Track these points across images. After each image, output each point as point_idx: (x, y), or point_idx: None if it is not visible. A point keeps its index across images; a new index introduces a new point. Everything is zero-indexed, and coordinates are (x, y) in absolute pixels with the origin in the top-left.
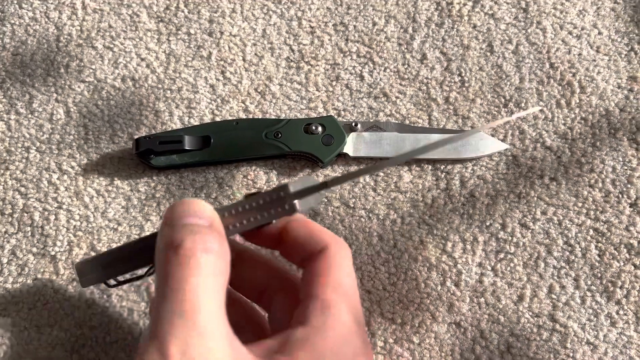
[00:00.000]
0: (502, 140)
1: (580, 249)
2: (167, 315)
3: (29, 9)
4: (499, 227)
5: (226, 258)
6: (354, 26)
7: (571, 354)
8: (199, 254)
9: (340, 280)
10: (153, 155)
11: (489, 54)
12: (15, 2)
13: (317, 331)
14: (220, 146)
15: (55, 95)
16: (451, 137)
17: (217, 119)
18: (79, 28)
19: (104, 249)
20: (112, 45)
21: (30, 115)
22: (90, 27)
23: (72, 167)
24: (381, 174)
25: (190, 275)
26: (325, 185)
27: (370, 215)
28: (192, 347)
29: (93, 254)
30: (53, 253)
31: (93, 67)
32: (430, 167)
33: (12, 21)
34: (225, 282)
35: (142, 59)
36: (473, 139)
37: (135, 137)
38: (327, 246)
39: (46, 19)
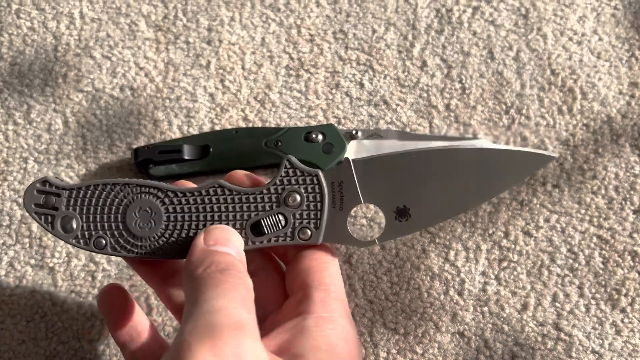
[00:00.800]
0: None
1: (584, 257)
2: (195, 337)
3: (27, 18)
4: (502, 235)
5: (249, 281)
6: (354, 34)
7: None
8: (228, 280)
9: (335, 277)
10: (152, 165)
11: (489, 60)
12: (13, 12)
13: (327, 320)
14: (220, 155)
15: (53, 105)
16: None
17: (217, 128)
18: (77, 37)
19: (103, 260)
20: (110, 55)
21: (28, 126)
22: (88, 37)
23: (71, 178)
24: None
25: (221, 302)
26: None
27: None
28: (242, 350)
29: (92, 265)
30: (51, 265)
31: (91, 76)
32: None
33: (10, 31)
34: (251, 299)
35: (141, 68)
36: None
37: (134, 147)
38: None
39: (44, 29)
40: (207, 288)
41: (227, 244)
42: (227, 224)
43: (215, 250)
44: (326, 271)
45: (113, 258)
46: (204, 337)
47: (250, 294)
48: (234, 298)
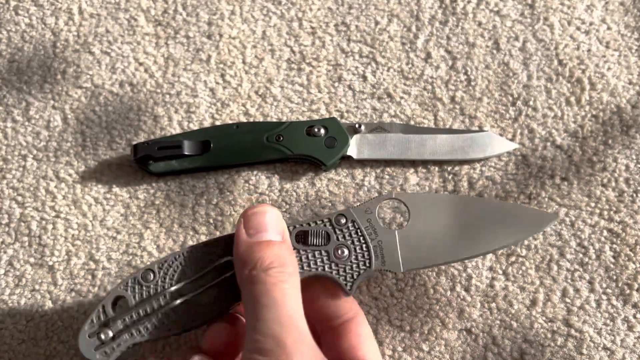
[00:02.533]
0: (511, 140)
1: (594, 251)
2: (262, 348)
3: (25, 15)
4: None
5: (297, 269)
6: (356, 26)
7: None
8: (282, 277)
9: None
10: (152, 161)
11: (495, 51)
12: (11, 8)
13: None
14: (221, 151)
15: (52, 102)
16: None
17: (217, 123)
18: (75, 33)
19: (103, 258)
20: (109, 50)
21: (27, 123)
22: (87, 32)
23: (70, 175)
24: (387, 176)
25: (276, 303)
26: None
27: None
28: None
29: (92, 263)
30: (51, 263)
31: (90, 72)
32: (437, 168)
33: (8, 28)
34: (298, 294)
35: (140, 64)
36: (481, 139)
37: (134, 143)
38: (356, 315)
39: (42, 25)
40: (257, 296)
41: (266, 228)
42: None
43: (256, 241)
44: (367, 342)
45: (113, 256)
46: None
47: (296, 288)
48: (282, 305)
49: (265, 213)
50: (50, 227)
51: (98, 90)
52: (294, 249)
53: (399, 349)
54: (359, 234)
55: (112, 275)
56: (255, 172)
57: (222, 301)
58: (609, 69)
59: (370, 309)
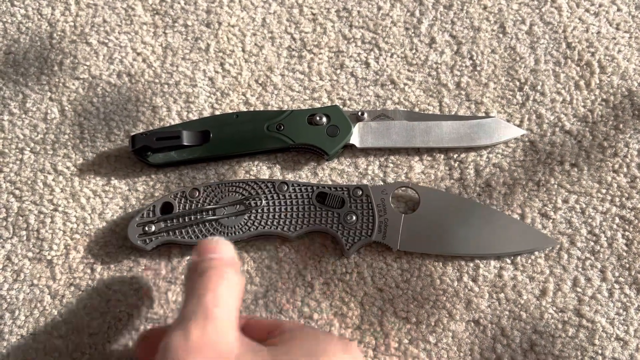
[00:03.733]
0: (519, 126)
1: (605, 239)
2: (190, 311)
3: (21, 6)
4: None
5: (238, 282)
6: (358, 11)
7: (600, 351)
8: (217, 278)
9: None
10: (150, 152)
11: (501, 35)
12: (7, 0)
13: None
14: (221, 141)
15: (49, 93)
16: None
17: (217, 112)
18: (72, 24)
19: (102, 252)
20: (106, 41)
21: (24, 115)
22: (84, 23)
23: (68, 168)
24: (390, 164)
25: (209, 289)
26: None
27: None
28: (209, 331)
29: (91, 257)
30: (49, 257)
31: (87, 63)
32: (442, 156)
33: (4, 19)
34: (237, 297)
35: (138, 54)
36: (487, 125)
37: (132, 134)
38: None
39: (39, 16)
40: (202, 281)
41: (215, 251)
42: None
43: (208, 257)
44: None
45: (113, 251)
46: (197, 316)
47: (235, 284)
48: (221, 286)
49: (218, 242)
50: (48, 220)
51: (95, 81)
52: (313, 206)
53: (405, 341)
54: (370, 207)
55: (111, 269)
56: (256, 163)
57: (244, 228)
58: (619, 51)
59: (375, 301)
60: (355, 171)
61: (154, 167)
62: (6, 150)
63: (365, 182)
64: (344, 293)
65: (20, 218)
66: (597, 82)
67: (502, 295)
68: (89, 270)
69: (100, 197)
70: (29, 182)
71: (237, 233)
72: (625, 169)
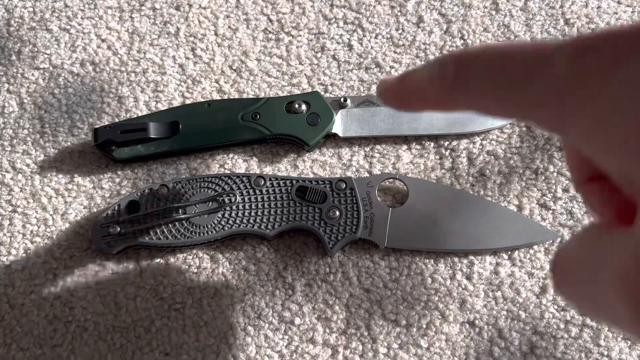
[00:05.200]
0: None
1: None
2: None
3: None
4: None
5: None
6: None
7: (606, 352)
8: None
9: None
10: (115, 146)
11: (494, 12)
12: None
13: None
14: (191, 132)
15: (6, 85)
16: None
17: (188, 101)
18: (31, 10)
19: (65, 256)
20: (68, 27)
21: None
22: (44, 8)
23: (27, 165)
24: (377, 154)
25: None
26: None
27: None
28: None
29: (53, 262)
30: (7, 263)
31: (48, 52)
32: (432, 144)
33: None
34: None
35: (103, 40)
36: None
37: (95, 127)
38: None
39: None
40: None
41: None
42: None
43: None
44: None
45: (77, 254)
46: None
47: None
48: None
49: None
50: (6, 223)
51: (57, 71)
52: (292, 201)
53: (395, 345)
54: (354, 201)
55: (75, 274)
56: (231, 155)
57: (218, 227)
58: None
59: (362, 302)
60: (338, 162)
61: (121, 163)
62: None
63: (349, 174)
64: (327, 295)
65: None
66: None
67: (499, 293)
68: (50, 276)
69: (63, 196)
70: None
71: (210, 233)
72: None
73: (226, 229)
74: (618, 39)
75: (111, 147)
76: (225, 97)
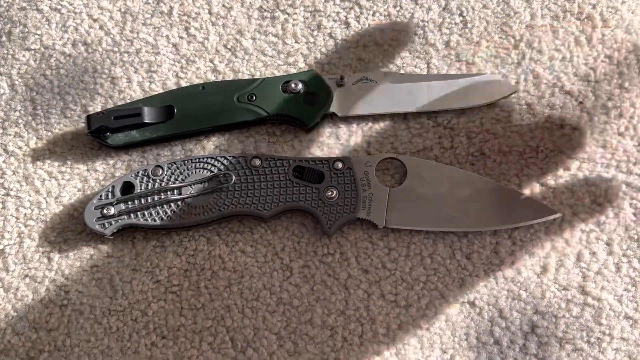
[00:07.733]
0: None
1: (611, 208)
2: None
3: None
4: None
5: None
6: None
7: (607, 331)
8: None
9: None
10: (109, 133)
11: None
12: None
13: None
14: (186, 116)
15: None
16: None
17: (182, 82)
18: None
19: (59, 239)
20: (59, 7)
21: None
22: None
23: (20, 148)
24: (375, 134)
25: None
26: None
27: None
28: None
29: (47, 245)
30: (1, 247)
31: (39, 32)
32: (431, 122)
33: None
34: None
35: (95, 20)
36: (481, 82)
37: (89, 109)
38: None
39: None
40: None
41: None
42: None
43: None
44: None
45: (71, 237)
46: None
47: None
48: None
49: None
50: None
51: (48, 52)
52: (290, 181)
53: (394, 326)
54: (352, 181)
55: (70, 258)
56: (227, 137)
57: (214, 208)
58: (623, 2)
59: (361, 283)
60: (336, 142)
61: (113, 149)
62: None
63: (347, 154)
64: (326, 276)
65: None
66: (600, 37)
67: (499, 273)
68: (45, 260)
69: (56, 179)
70: None
71: (206, 214)
72: (631, 132)
73: (222, 209)
74: None
75: (105, 133)
76: (220, 77)
